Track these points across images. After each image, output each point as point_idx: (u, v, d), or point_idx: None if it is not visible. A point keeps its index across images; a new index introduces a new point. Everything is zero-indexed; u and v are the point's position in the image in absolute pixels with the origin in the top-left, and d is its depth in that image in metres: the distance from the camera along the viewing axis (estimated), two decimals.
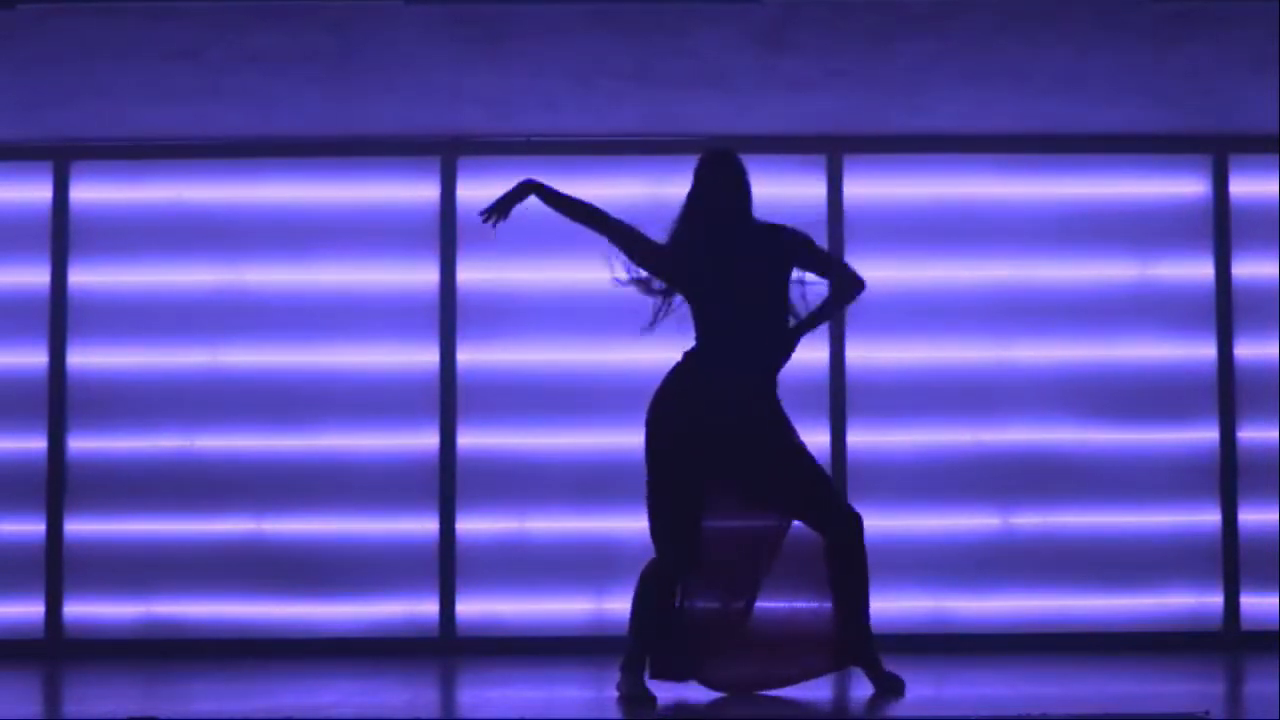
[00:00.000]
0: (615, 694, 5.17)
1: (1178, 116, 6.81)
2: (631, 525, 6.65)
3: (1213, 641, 6.86)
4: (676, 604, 5.20)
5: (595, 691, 5.53)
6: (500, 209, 5.29)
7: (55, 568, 6.91)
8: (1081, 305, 6.99)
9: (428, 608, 6.91)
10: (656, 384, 5.25)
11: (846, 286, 5.30)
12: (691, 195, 5.23)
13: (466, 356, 7.01)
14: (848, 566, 5.15)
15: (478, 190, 7.07)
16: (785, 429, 5.23)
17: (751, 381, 5.18)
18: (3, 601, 6.94)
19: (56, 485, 6.94)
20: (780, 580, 5.25)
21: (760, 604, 5.27)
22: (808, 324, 5.25)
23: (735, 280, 5.14)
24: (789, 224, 5.28)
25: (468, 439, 6.97)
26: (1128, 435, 6.95)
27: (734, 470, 5.16)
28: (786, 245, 5.22)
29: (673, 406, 5.14)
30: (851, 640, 5.15)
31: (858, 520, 5.20)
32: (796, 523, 5.26)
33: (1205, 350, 6.98)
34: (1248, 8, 5.68)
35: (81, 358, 7.00)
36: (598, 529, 6.89)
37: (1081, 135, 7.01)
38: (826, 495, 5.21)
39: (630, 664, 5.18)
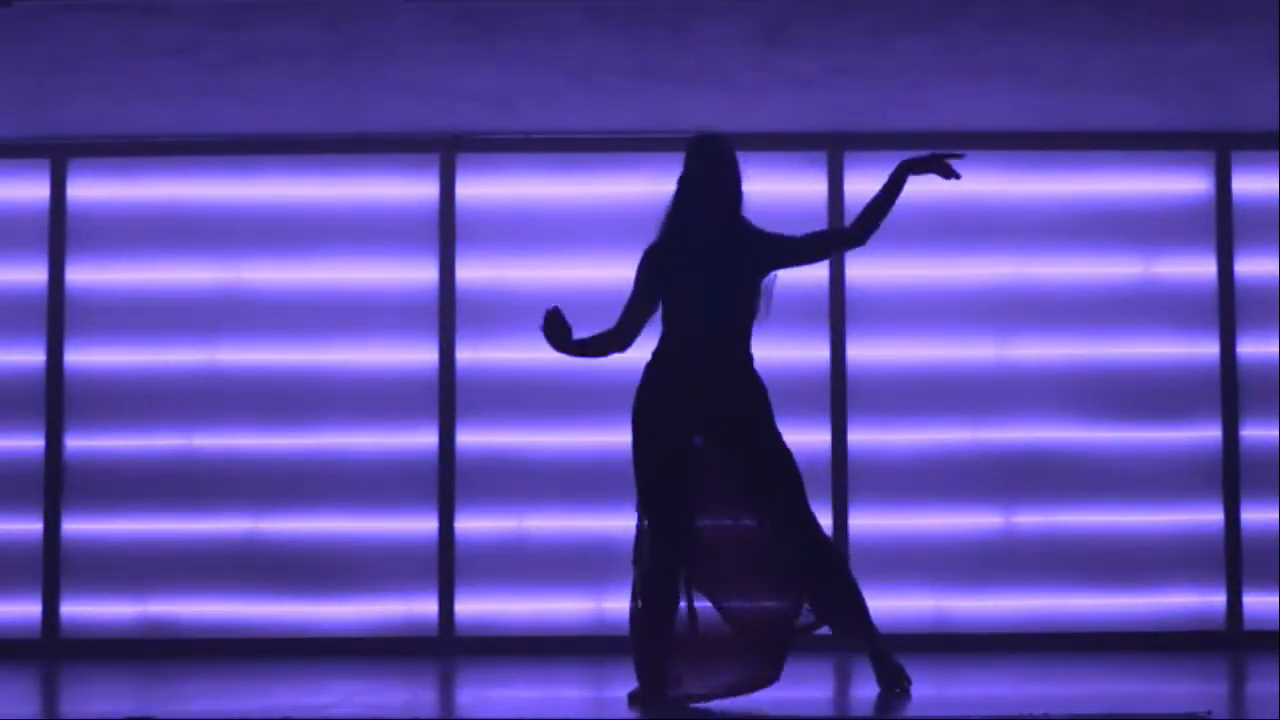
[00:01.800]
0: (624, 694, 5.11)
1: (1180, 113, 6.79)
2: (632, 524, 6.64)
3: (1215, 641, 6.84)
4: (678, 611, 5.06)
5: (595, 691, 5.51)
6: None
7: (52, 567, 6.89)
8: (1083, 303, 6.97)
9: (427, 607, 6.89)
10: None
11: (841, 234, 5.28)
12: (683, 181, 5.13)
13: (466, 355, 6.98)
14: (829, 583, 5.05)
15: (477, 188, 7.07)
16: (760, 427, 5.07)
17: (719, 374, 5.05)
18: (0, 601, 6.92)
19: (54, 484, 6.92)
20: (752, 579, 5.13)
21: (737, 604, 5.15)
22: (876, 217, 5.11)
23: (709, 275, 5.03)
24: (778, 232, 5.11)
25: (467, 438, 6.95)
26: (1130, 434, 6.93)
27: (715, 462, 5.06)
28: (768, 250, 5.07)
29: (651, 410, 5.05)
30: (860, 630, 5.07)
31: (830, 547, 5.08)
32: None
33: (1208, 348, 6.96)
34: (1250, 3, 5.65)
35: (79, 356, 6.98)
36: (597, 528, 6.87)
37: (1083, 132, 6.99)
38: (792, 512, 5.05)
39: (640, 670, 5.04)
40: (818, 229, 5.32)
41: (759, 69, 6.27)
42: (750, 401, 5.07)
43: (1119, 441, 6.93)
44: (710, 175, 5.07)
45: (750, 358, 5.11)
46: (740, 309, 5.07)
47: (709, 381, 5.04)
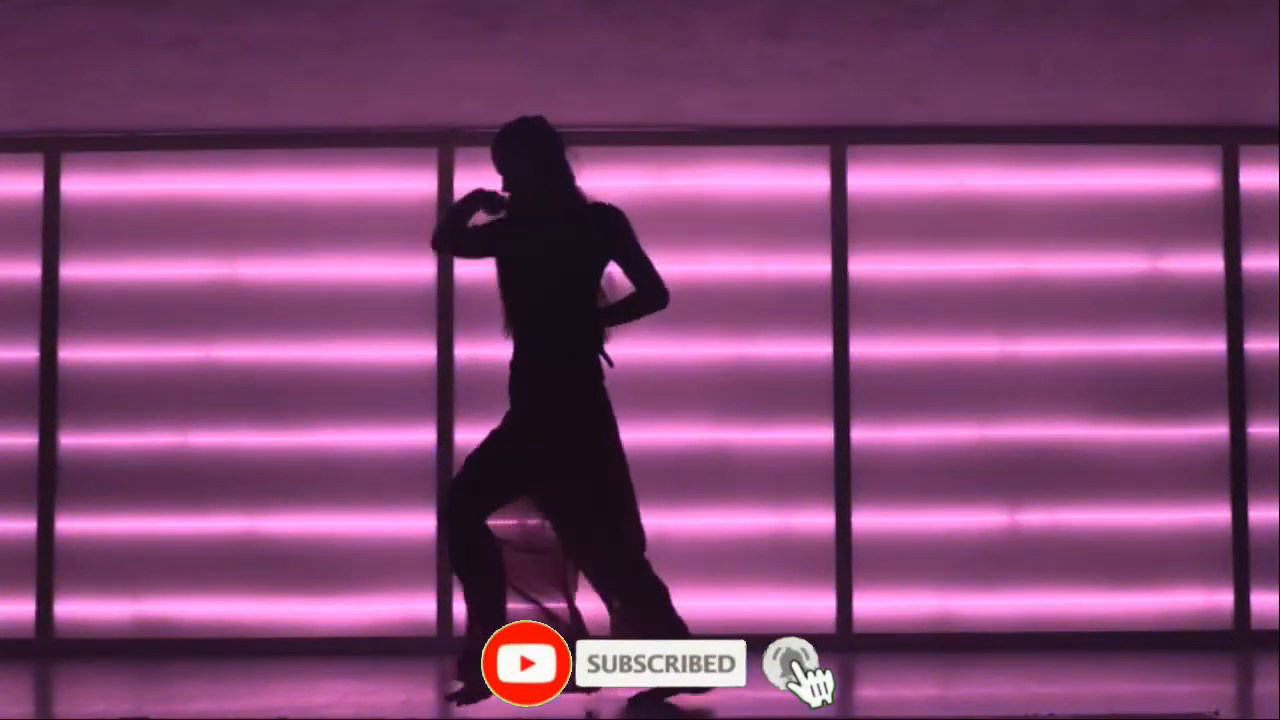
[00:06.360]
0: (625, 696, 5.07)
1: (1187, 107, 6.75)
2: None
3: (1222, 640, 6.79)
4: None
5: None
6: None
7: (46, 566, 6.85)
8: (1089, 299, 6.93)
9: (425, 606, 6.85)
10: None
11: (649, 300, 4.95)
12: None
13: (464, 351, 6.94)
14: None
15: (475, 182, 7.01)
16: (589, 440, 4.89)
17: (551, 378, 4.92)
18: None
19: (47, 482, 6.88)
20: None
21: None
22: (606, 318, 4.95)
23: (531, 266, 4.94)
24: (610, 207, 4.97)
25: (466, 435, 6.90)
26: (1136, 431, 6.89)
27: (535, 474, 4.91)
28: (600, 232, 4.93)
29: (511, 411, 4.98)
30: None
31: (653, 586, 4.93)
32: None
33: (1215, 345, 6.92)
34: None
35: (73, 352, 6.94)
36: None
37: (1088, 126, 6.95)
38: (610, 540, 4.91)
39: None
40: (652, 283, 4.96)
41: (760, 62, 6.23)
42: (571, 421, 4.88)
43: (1125, 439, 6.89)
44: (501, 169, 5.07)
45: (578, 354, 4.90)
46: (555, 296, 4.91)
47: (534, 381, 4.92)
